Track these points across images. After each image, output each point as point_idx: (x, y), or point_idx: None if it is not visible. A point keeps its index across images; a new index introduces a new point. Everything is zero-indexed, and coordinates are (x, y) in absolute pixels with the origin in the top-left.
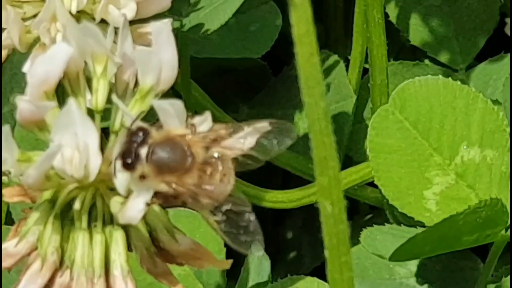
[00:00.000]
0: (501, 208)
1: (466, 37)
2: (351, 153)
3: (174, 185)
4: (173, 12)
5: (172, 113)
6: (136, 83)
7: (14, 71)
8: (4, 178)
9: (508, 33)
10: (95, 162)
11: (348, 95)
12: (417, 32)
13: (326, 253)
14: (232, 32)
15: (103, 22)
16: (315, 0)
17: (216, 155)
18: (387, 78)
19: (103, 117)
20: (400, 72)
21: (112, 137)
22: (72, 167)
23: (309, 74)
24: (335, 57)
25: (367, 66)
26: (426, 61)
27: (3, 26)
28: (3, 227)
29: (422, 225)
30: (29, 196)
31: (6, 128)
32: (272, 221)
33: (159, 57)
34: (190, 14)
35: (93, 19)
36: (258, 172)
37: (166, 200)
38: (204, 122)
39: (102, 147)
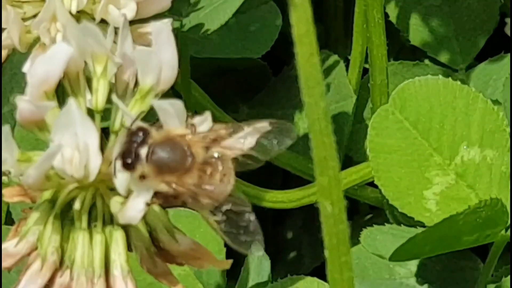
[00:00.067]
0: (501, 208)
1: (466, 37)
2: (351, 153)
3: (174, 185)
4: (173, 12)
5: (172, 113)
6: (136, 83)
7: (14, 71)
8: (4, 178)
9: (508, 33)
10: (95, 162)
11: (348, 95)
12: (417, 32)
13: (326, 253)
14: (232, 32)
15: (103, 22)
16: (315, 0)
17: (216, 155)
18: (387, 78)
19: (103, 117)
20: (400, 72)
21: (112, 137)
22: (72, 167)
23: (309, 74)
24: (335, 57)
25: (367, 66)
26: (426, 61)
27: (3, 26)
28: (3, 227)
29: (422, 225)
30: (29, 196)
31: (6, 128)
32: (272, 221)
33: (159, 57)
34: (190, 14)
35: (93, 19)
36: (258, 172)
37: (166, 200)
38: (204, 122)
39: (102, 147)
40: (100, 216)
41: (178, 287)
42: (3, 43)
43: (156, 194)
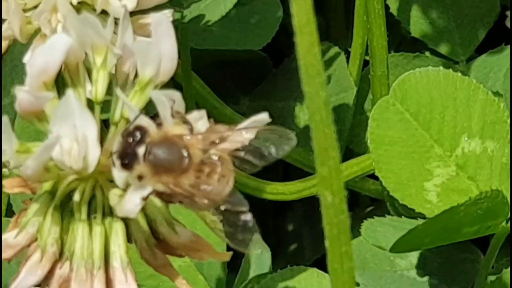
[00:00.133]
0: (501, 200)
1: (466, 29)
2: (352, 145)
3: (171, 185)
4: (174, 3)
5: (170, 104)
6: (136, 74)
7: (14, 63)
8: (4, 170)
9: (509, 26)
10: (94, 153)
11: (349, 87)
12: (418, 24)
13: (327, 243)
14: (233, 24)
15: (104, 13)
16: None
17: (215, 156)
18: (388, 69)
19: (103, 108)
20: (401, 64)
21: (112, 128)
22: (70, 159)
23: (310, 64)
24: (335, 49)
25: (368, 58)
26: (427, 53)
27: (3, 17)
28: (4, 219)
29: (422, 216)
30: (30, 187)
31: (5, 119)
32: (273, 213)
33: (158, 49)
34: (191, 5)
35: (94, 10)
36: None
37: (163, 199)
38: (200, 119)
39: (102, 139)
40: (99, 207)
41: (178, 279)
42: (3, 34)
43: (153, 192)
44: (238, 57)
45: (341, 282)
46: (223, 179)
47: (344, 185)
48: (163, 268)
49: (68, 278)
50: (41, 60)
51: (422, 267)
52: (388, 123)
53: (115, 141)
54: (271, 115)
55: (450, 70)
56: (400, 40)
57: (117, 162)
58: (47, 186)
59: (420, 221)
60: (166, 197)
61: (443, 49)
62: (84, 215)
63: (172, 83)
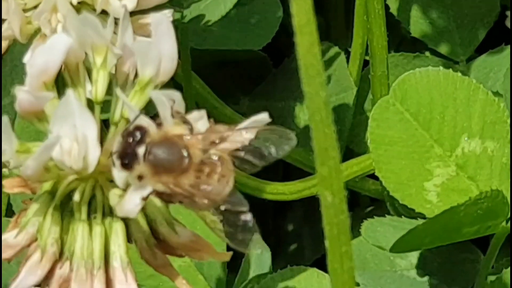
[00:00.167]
0: (501, 200)
1: (466, 29)
2: (352, 146)
3: (171, 186)
4: (174, 3)
5: (170, 104)
6: (136, 74)
7: (15, 63)
8: (4, 170)
9: (509, 26)
10: (94, 153)
11: (349, 87)
12: (418, 24)
13: (327, 243)
14: (233, 24)
15: (104, 13)
16: None
17: (215, 156)
18: (388, 69)
19: (103, 108)
20: (401, 64)
21: (112, 128)
22: (71, 159)
23: (310, 63)
24: (335, 49)
25: (368, 58)
26: (427, 53)
27: (3, 17)
28: (4, 219)
29: (422, 216)
30: (30, 187)
31: (5, 119)
32: (273, 213)
33: (158, 49)
34: (191, 5)
35: (94, 10)
36: None
37: (163, 199)
38: (200, 119)
39: (102, 139)
40: (99, 207)
41: (178, 279)
42: (3, 34)
43: (153, 192)
44: (238, 57)
45: (341, 282)
46: (223, 179)
47: (344, 185)
48: (163, 268)
49: (68, 278)
50: (41, 60)
51: (422, 267)
52: (388, 123)
53: (115, 141)
54: (271, 115)
55: (450, 70)
56: (400, 40)
57: (117, 162)
58: (47, 186)
59: (420, 221)
60: (166, 197)
61: (443, 49)
62: (84, 215)
63: (172, 83)
